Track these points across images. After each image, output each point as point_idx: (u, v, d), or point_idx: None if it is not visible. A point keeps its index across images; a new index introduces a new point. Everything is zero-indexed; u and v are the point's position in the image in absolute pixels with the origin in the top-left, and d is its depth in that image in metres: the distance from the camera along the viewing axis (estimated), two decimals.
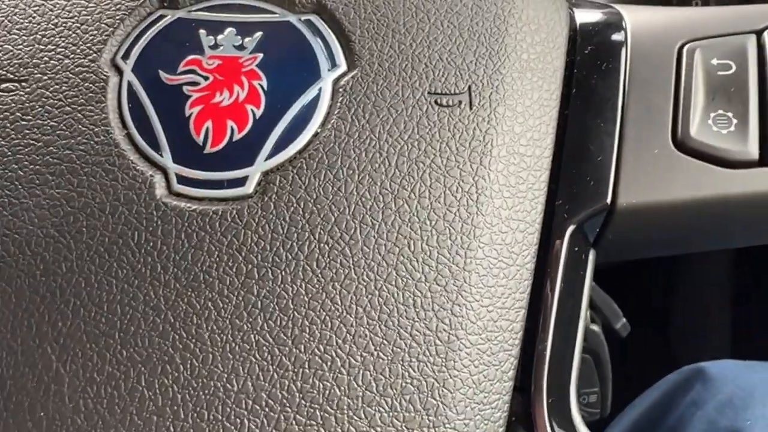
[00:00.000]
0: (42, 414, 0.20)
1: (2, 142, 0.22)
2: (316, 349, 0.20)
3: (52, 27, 0.23)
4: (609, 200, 0.23)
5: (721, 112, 0.23)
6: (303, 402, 0.19)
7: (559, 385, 0.22)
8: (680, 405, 0.43)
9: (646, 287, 0.72)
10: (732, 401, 0.44)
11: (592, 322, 0.44)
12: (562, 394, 0.22)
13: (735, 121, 0.23)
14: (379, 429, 0.19)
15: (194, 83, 0.22)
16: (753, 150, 0.22)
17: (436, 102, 0.22)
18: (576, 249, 0.23)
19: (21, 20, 0.23)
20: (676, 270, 0.70)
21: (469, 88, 0.22)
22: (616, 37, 0.25)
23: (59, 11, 0.23)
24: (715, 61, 0.24)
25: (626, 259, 0.49)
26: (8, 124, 0.22)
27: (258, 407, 0.19)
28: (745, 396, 0.44)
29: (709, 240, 0.26)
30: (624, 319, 0.45)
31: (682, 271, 0.69)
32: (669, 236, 0.24)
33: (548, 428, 0.21)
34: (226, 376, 0.20)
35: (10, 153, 0.22)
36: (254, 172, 0.21)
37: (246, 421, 0.19)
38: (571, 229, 0.22)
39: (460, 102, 0.22)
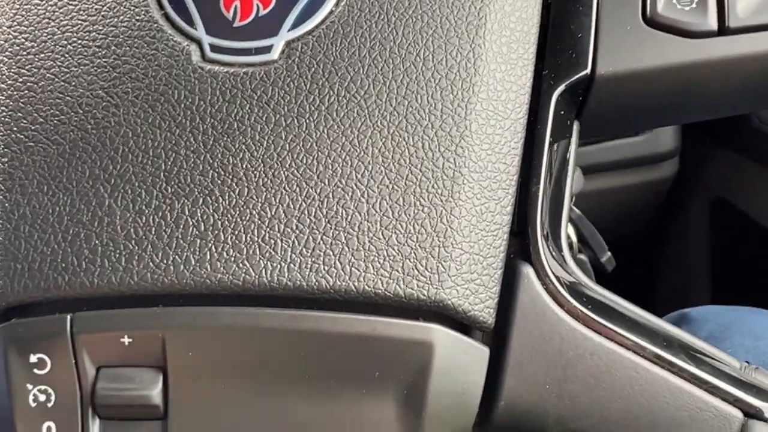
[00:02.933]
0: (97, 241, 0.22)
1: (53, 23, 0.25)
2: (338, 182, 0.22)
3: None
4: (589, 69, 0.26)
5: None
6: (328, 225, 0.22)
7: (552, 224, 0.24)
8: None
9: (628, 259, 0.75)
10: (713, 335, 0.47)
11: (579, 253, 0.47)
12: (555, 231, 0.24)
13: None
14: (395, 248, 0.22)
15: None
16: (712, 23, 0.26)
17: None
18: (562, 113, 0.26)
19: None
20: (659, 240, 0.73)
21: None
22: None
23: None
24: None
25: (607, 134, 0.52)
26: (57, 9, 0.25)
27: (289, 230, 0.22)
28: (723, 330, 0.47)
29: (679, 110, 0.29)
30: (609, 253, 0.48)
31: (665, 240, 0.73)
32: (644, 104, 0.27)
33: (544, 259, 0.23)
34: (260, 205, 0.22)
35: (59, 32, 0.25)
36: (278, 41, 0.24)
37: (279, 241, 0.22)
38: (556, 93, 0.25)
39: None
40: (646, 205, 0.76)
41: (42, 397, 0.22)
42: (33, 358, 0.22)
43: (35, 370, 0.22)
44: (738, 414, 0.22)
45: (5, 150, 0.23)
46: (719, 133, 0.71)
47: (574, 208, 0.43)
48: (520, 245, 0.24)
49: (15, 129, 0.23)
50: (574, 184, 0.32)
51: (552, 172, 0.25)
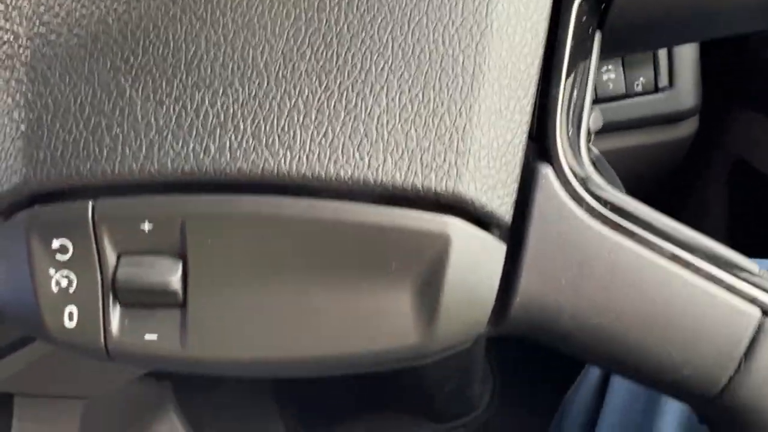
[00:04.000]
0: (118, 130, 0.22)
1: None
2: (358, 76, 0.22)
3: None
4: None
5: None
6: (348, 117, 0.22)
7: (572, 127, 0.24)
8: None
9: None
10: None
11: None
12: (575, 135, 0.24)
13: None
14: (414, 141, 0.22)
15: None
16: None
17: None
18: (584, 19, 0.25)
19: None
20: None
21: None
22: None
23: None
24: None
25: (630, 52, 0.51)
26: None
27: (308, 121, 0.22)
28: None
29: (703, 21, 0.28)
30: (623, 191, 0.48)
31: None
32: (666, 17, 0.27)
33: (563, 159, 0.23)
34: (279, 96, 0.22)
35: None
36: None
37: (298, 131, 0.22)
38: (578, 0, 0.25)
39: None
40: (664, 166, 0.75)
41: (64, 282, 0.22)
42: (55, 244, 0.22)
43: (57, 256, 0.22)
44: (756, 312, 0.22)
45: (28, 43, 0.23)
46: (740, 93, 0.70)
47: (593, 147, 0.43)
48: (539, 149, 0.24)
49: (37, 23, 0.24)
50: (592, 122, 0.32)
51: (573, 78, 0.25)
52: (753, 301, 0.22)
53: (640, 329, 0.22)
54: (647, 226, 0.23)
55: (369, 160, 0.22)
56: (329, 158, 0.22)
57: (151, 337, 0.22)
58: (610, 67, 0.66)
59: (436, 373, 0.84)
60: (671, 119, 0.69)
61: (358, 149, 0.22)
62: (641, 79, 0.66)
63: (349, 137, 0.22)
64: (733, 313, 0.22)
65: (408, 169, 0.22)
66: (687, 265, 0.22)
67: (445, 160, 0.22)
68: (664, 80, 0.67)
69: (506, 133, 0.23)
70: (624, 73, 0.67)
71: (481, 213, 0.22)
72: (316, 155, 0.22)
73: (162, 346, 0.22)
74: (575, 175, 0.23)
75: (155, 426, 0.91)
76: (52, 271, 0.22)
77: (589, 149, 0.25)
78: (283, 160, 0.22)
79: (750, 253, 0.24)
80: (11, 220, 0.23)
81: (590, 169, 0.24)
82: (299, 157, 0.22)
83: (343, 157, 0.22)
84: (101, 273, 0.22)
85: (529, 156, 0.24)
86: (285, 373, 0.23)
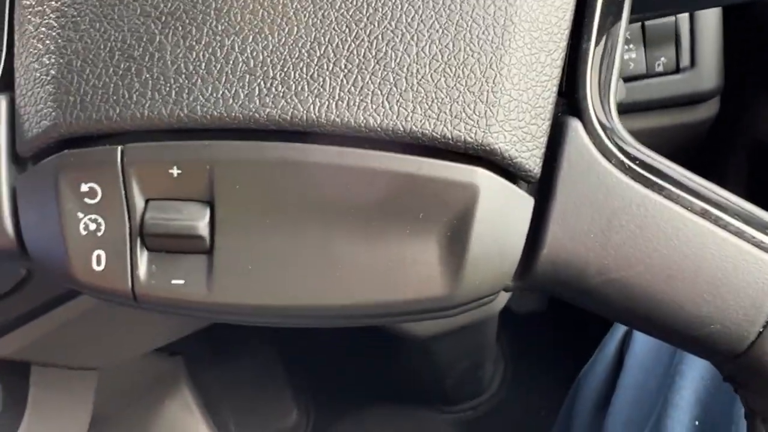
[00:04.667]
0: (147, 75, 0.22)
1: None
2: (388, 25, 0.22)
3: None
4: None
5: None
6: (377, 66, 0.22)
7: (602, 82, 0.24)
8: None
9: None
10: None
11: None
12: (605, 90, 0.24)
13: None
14: (443, 91, 0.22)
15: None
16: None
17: None
18: None
19: None
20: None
21: None
22: None
23: None
24: None
25: (660, 11, 0.51)
26: None
27: (338, 69, 0.22)
28: None
29: None
30: None
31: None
32: None
33: (592, 114, 0.23)
34: (309, 44, 0.22)
35: None
36: None
37: (327, 79, 0.22)
38: None
39: None
40: (684, 148, 0.74)
41: (92, 226, 0.22)
42: (84, 188, 0.22)
43: (86, 200, 0.22)
44: None
45: None
46: (763, 75, 0.69)
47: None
48: (569, 103, 0.24)
49: None
50: (617, 92, 0.32)
51: (604, 34, 0.24)
52: None
53: (668, 283, 0.22)
54: (677, 183, 0.23)
55: (398, 109, 0.22)
56: (358, 106, 0.22)
57: (178, 282, 0.22)
58: (631, 46, 0.65)
59: (447, 354, 0.84)
60: (692, 100, 0.69)
61: (387, 98, 0.22)
62: (662, 59, 0.66)
63: (379, 86, 0.22)
64: (763, 269, 0.22)
65: (437, 118, 0.22)
66: (716, 220, 0.22)
67: (474, 110, 0.22)
68: (685, 60, 0.66)
69: (536, 86, 0.23)
70: (645, 52, 0.66)
71: (509, 165, 0.22)
72: (345, 103, 0.22)
73: (189, 291, 0.22)
74: (605, 130, 0.23)
75: (168, 401, 0.91)
76: (80, 214, 0.22)
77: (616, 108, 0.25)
78: (312, 107, 0.22)
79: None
80: (40, 165, 0.23)
81: (619, 125, 0.24)
82: (328, 104, 0.22)
83: (372, 105, 0.22)
84: (129, 217, 0.22)
85: (558, 111, 0.24)
86: (310, 322, 0.23)
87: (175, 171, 0.22)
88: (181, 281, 0.22)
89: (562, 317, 0.95)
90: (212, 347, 0.99)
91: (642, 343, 0.51)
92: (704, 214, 0.22)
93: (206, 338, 0.96)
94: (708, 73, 0.68)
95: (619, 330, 0.54)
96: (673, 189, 0.22)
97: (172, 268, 0.22)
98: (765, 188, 0.72)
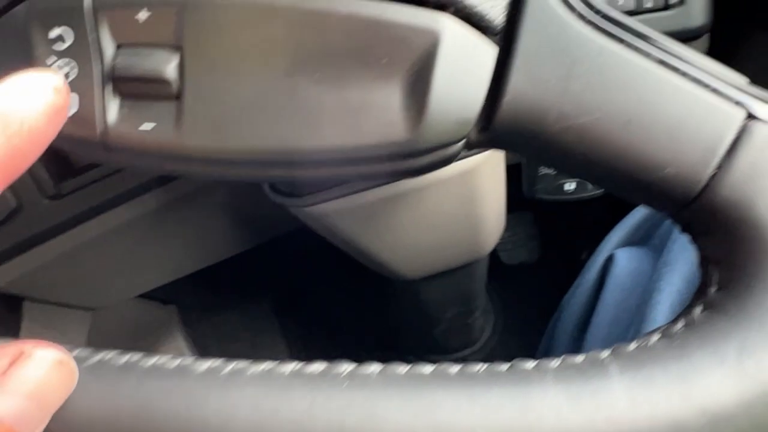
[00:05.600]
0: None
1: None
2: None
3: None
4: None
5: None
6: None
7: None
8: None
9: None
10: None
11: None
12: None
13: None
14: None
15: None
16: None
17: None
18: None
19: None
20: None
21: None
22: None
23: None
24: None
25: None
26: None
27: None
28: None
29: None
30: None
31: None
32: None
33: None
34: None
35: None
36: None
37: None
38: None
39: None
40: None
41: (66, 70, 0.23)
42: (55, 32, 0.23)
43: (56, 45, 0.23)
44: (740, 113, 0.22)
45: None
46: (753, 11, 0.69)
47: None
48: None
49: None
50: None
51: None
52: (738, 103, 0.22)
53: (624, 128, 0.22)
54: (637, 34, 0.23)
55: None
56: None
57: (147, 126, 0.23)
58: None
59: (436, 298, 0.85)
60: (682, 37, 0.69)
61: None
62: None
63: None
64: (718, 114, 0.22)
65: None
66: (674, 69, 0.23)
67: None
68: None
69: None
70: None
71: (472, 13, 0.23)
72: None
73: (158, 136, 0.23)
74: None
75: (161, 348, 0.92)
76: (52, 58, 0.23)
77: None
78: None
79: None
80: (11, 12, 0.23)
81: None
82: None
83: None
84: (101, 62, 0.23)
85: None
86: (276, 170, 0.23)
87: (144, 14, 0.22)
88: (151, 126, 0.23)
89: (552, 269, 0.96)
90: (206, 299, 1.00)
91: (622, 266, 0.52)
92: (662, 64, 0.23)
93: (200, 290, 0.97)
94: (697, 9, 0.68)
95: (601, 255, 0.54)
96: (633, 39, 0.23)
97: (142, 112, 0.23)
98: None
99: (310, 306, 1.02)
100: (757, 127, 0.22)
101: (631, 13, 0.66)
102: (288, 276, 1.00)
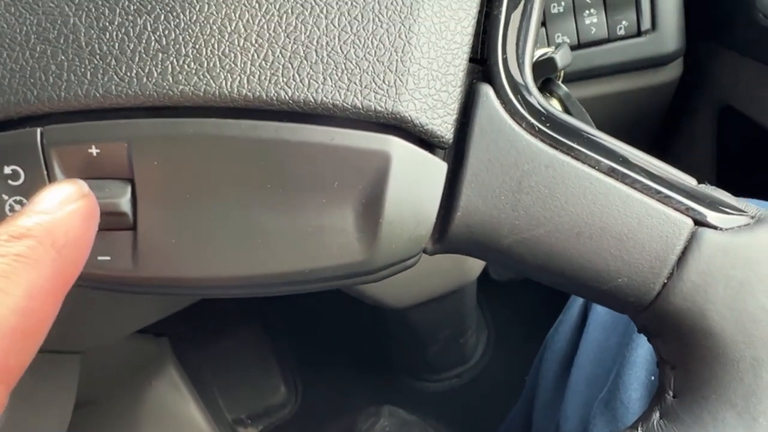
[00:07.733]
0: (63, 57, 0.23)
1: None
2: (295, 1, 0.23)
3: None
4: None
5: None
6: (287, 39, 0.23)
7: (517, 48, 0.24)
8: None
9: None
10: None
11: None
12: (520, 56, 0.24)
13: None
14: (353, 62, 0.22)
15: None
16: None
17: None
18: None
19: None
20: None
21: None
22: None
23: None
24: None
25: None
26: None
27: (249, 44, 0.23)
28: None
29: None
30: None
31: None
32: None
33: (504, 79, 0.24)
34: (220, 20, 0.23)
35: None
36: None
37: (239, 54, 0.22)
38: None
39: None
40: (651, 111, 0.75)
41: (18, 207, 0.23)
42: (7, 170, 0.23)
43: (9, 182, 0.23)
44: (688, 221, 0.22)
45: None
46: (724, 34, 0.69)
47: (561, 84, 0.43)
48: (482, 71, 0.24)
49: None
50: (561, 58, 0.32)
51: (518, 1, 0.25)
52: (686, 211, 0.23)
53: (576, 240, 0.22)
54: (586, 142, 0.23)
55: (309, 81, 0.22)
56: (269, 80, 0.22)
57: (104, 258, 0.23)
58: (592, 11, 0.65)
59: (427, 323, 0.85)
60: (655, 63, 0.69)
61: (298, 71, 0.22)
62: (624, 22, 0.66)
63: (289, 59, 0.22)
64: (667, 223, 0.22)
65: (347, 89, 0.22)
66: (623, 177, 0.23)
67: (384, 80, 0.22)
68: (647, 23, 0.66)
69: (446, 53, 0.23)
70: (606, 17, 0.66)
71: (421, 132, 0.23)
72: (256, 77, 0.22)
73: (115, 267, 0.23)
74: (517, 94, 0.24)
75: (155, 382, 0.92)
76: (5, 196, 0.23)
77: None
78: (224, 83, 0.22)
79: (739, 195, 0.24)
80: None
81: (534, 90, 0.25)
82: (240, 79, 0.22)
83: (283, 78, 0.22)
84: None
85: (474, 77, 0.24)
86: (234, 292, 0.24)
87: (94, 150, 0.22)
88: (107, 257, 0.23)
89: (541, 284, 0.96)
90: (197, 327, 1.00)
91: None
92: (612, 173, 0.23)
93: (191, 319, 0.97)
94: (669, 35, 0.68)
95: None
96: (582, 149, 0.23)
97: (98, 244, 0.23)
98: (732, 149, 0.73)
99: (302, 331, 1.02)
100: (705, 235, 0.22)
101: (605, 41, 0.66)
102: (278, 297, 1.01)
